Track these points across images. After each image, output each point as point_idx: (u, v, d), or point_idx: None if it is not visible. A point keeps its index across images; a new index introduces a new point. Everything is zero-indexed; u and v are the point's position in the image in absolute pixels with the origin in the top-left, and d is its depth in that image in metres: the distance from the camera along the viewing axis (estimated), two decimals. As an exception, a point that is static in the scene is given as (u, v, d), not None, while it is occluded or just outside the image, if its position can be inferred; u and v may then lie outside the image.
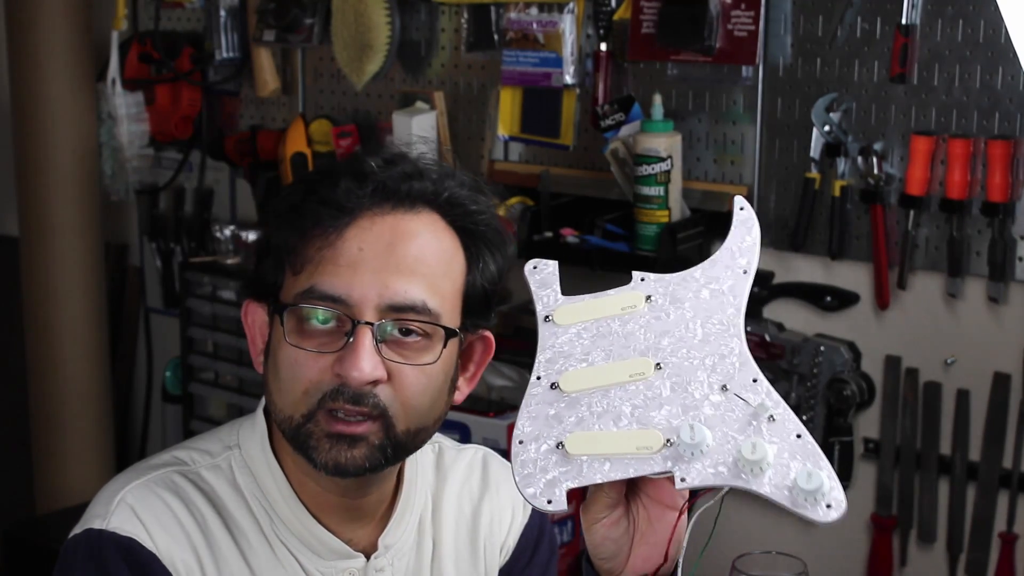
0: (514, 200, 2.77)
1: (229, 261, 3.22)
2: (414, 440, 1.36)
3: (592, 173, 2.76)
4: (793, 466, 1.12)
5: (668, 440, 1.16)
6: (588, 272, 2.62)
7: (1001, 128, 2.33)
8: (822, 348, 2.52)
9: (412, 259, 1.32)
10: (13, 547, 3.20)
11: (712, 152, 2.63)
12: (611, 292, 1.27)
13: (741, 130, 2.60)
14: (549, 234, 2.69)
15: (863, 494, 2.55)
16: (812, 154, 2.49)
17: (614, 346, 1.24)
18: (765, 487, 1.12)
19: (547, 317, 1.27)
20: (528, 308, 2.83)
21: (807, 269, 2.55)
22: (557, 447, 1.19)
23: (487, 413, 2.63)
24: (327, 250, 1.31)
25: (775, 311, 2.59)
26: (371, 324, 1.29)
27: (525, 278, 1.30)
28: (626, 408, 1.20)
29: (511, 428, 2.64)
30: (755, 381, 1.18)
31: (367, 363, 1.29)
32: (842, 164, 2.48)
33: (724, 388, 1.18)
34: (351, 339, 1.29)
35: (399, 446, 1.34)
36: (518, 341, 2.79)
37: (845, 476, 2.54)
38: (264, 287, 1.37)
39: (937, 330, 2.45)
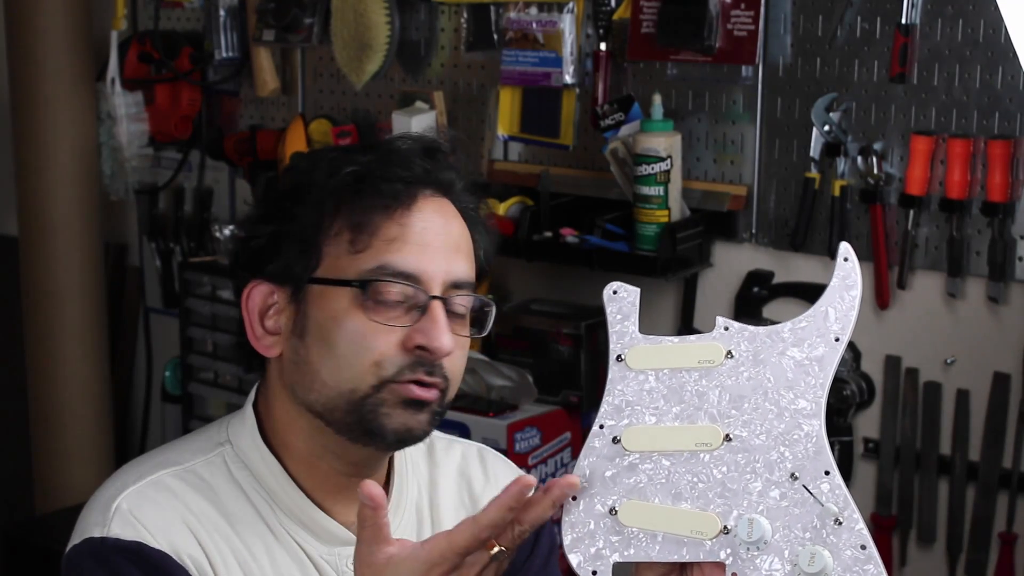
0: (514, 200, 2.77)
1: (229, 261, 3.21)
2: (447, 410, 1.42)
3: (592, 173, 2.76)
4: None
5: (725, 527, 1.13)
6: (588, 272, 2.62)
7: (1001, 128, 2.32)
8: (822, 348, 2.51)
9: (458, 239, 1.40)
10: (13, 547, 3.20)
11: (712, 152, 2.63)
12: (691, 339, 1.20)
13: (741, 130, 2.59)
14: (549, 234, 2.69)
15: (863, 494, 2.54)
16: (812, 154, 2.49)
17: (685, 404, 1.18)
18: None
19: (620, 356, 1.21)
20: (528, 308, 2.84)
21: (807, 269, 2.55)
22: (610, 512, 1.16)
23: (487, 413, 2.63)
24: (395, 228, 1.36)
25: (775, 311, 2.59)
26: (443, 299, 1.36)
27: (603, 302, 1.23)
28: (686, 482, 1.15)
29: (511, 428, 2.66)
30: (827, 473, 1.13)
31: (447, 336, 1.35)
32: (842, 164, 2.47)
33: (793, 477, 1.13)
34: (426, 313, 1.35)
35: (443, 414, 1.40)
36: (518, 341, 2.79)
37: (845, 476, 2.53)
38: (286, 271, 1.39)
39: (937, 330, 2.45)
